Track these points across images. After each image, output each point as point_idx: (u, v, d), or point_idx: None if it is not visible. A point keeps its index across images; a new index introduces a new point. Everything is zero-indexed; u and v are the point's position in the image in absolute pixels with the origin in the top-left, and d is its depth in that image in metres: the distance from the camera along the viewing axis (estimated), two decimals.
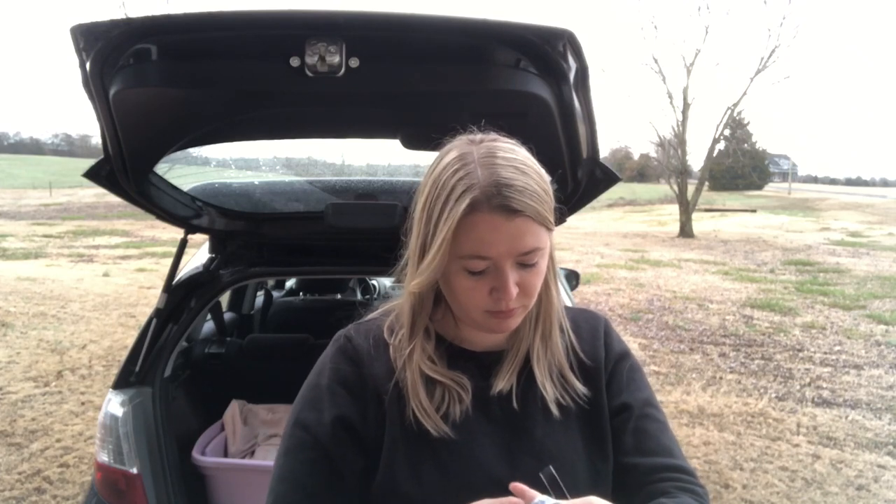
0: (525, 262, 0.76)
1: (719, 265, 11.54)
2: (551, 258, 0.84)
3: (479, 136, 0.80)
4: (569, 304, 1.98)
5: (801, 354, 5.76)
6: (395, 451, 0.81)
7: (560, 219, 0.82)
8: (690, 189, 18.07)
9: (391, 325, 0.89)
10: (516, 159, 0.77)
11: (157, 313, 1.85)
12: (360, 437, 0.82)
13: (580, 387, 0.87)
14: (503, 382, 0.85)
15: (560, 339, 0.89)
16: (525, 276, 0.77)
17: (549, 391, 0.85)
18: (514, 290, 0.76)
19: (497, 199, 0.73)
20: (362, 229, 1.87)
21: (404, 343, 0.85)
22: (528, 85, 1.17)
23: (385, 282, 4.45)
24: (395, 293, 4.47)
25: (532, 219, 0.74)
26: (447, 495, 0.77)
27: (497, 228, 0.73)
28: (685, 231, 17.29)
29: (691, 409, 4.33)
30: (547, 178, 0.80)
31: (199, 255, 2.17)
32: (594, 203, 1.65)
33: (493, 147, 0.78)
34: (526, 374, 0.86)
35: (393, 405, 0.83)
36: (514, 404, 0.84)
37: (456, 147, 0.79)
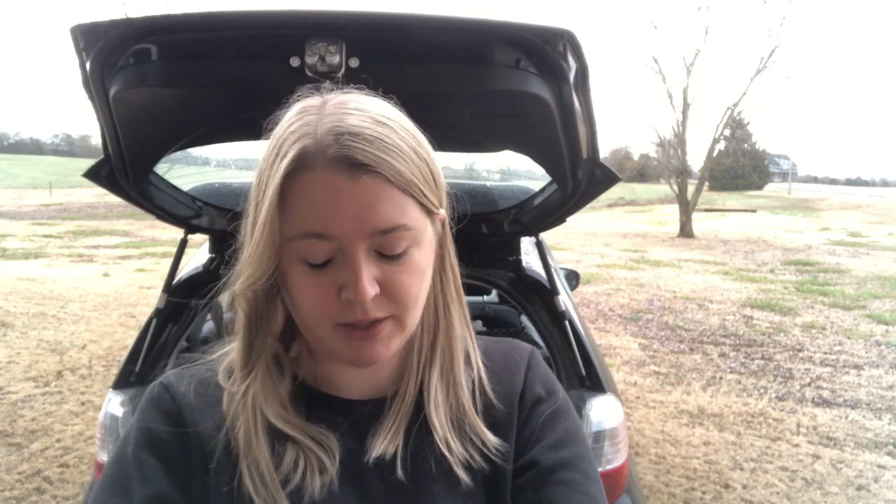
0: (386, 250, 0.54)
1: (719, 265, 11.54)
2: (442, 259, 0.62)
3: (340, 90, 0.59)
4: (569, 304, 1.99)
5: (801, 354, 5.76)
6: None
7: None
8: (690, 189, 18.06)
9: (230, 365, 0.64)
10: (376, 109, 0.55)
11: (157, 313, 1.85)
12: None
13: (492, 438, 0.63)
14: (384, 443, 0.60)
15: (466, 375, 0.65)
16: (389, 272, 0.55)
17: (455, 449, 0.61)
18: (369, 288, 0.53)
19: (333, 150, 0.51)
20: None
21: (238, 380, 0.61)
22: (528, 85, 1.17)
23: None
24: None
25: (389, 180, 0.52)
26: None
27: (335, 191, 0.51)
28: (685, 231, 17.28)
29: (691, 409, 4.33)
30: (427, 145, 0.58)
31: (199, 255, 2.17)
32: (594, 203, 1.65)
33: (347, 97, 0.56)
34: (418, 428, 0.62)
35: (221, 474, 0.59)
36: (400, 474, 0.60)
37: (302, 98, 0.59)
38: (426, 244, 0.57)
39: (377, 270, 0.54)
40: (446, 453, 0.61)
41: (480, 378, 0.67)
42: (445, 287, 0.63)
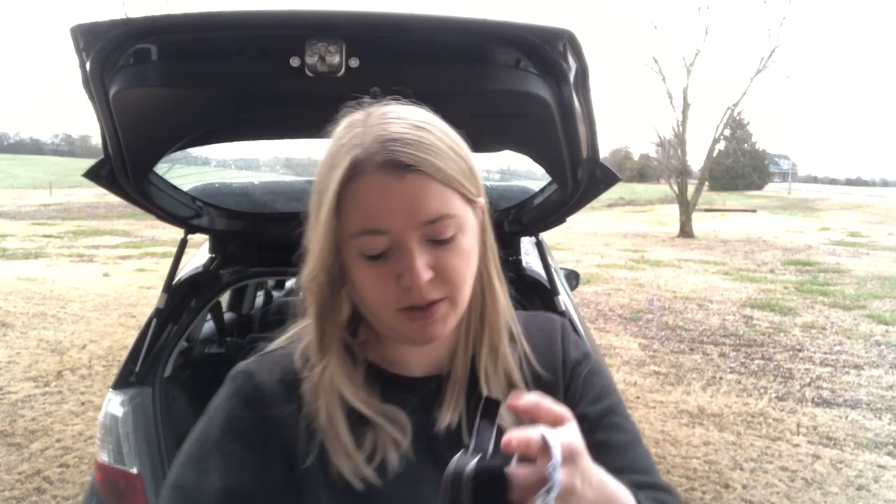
0: (436, 237, 0.61)
1: (719, 265, 11.54)
2: (484, 243, 0.68)
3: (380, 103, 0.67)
4: (569, 304, 1.98)
5: (801, 354, 5.76)
6: None
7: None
8: (690, 189, 18.07)
9: (305, 352, 0.70)
10: (413, 116, 0.63)
11: (157, 313, 1.85)
12: None
13: None
14: (449, 414, 0.68)
15: (511, 350, 0.73)
16: (441, 256, 0.61)
17: (505, 416, 0.65)
18: (424, 273, 0.60)
19: (381, 155, 0.59)
20: None
21: (316, 365, 0.67)
22: (528, 85, 1.17)
23: None
24: None
25: (431, 177, 0.59)
26: None
27: (385, 191, 0.59)
28: (685, 231, 17.29)
29: (691, 409, 4.33)
30: (462, 143, 0.65)
31: (199, 255, 2.17)
32: (594, 203, 1.65)
33: (387, 108, 0.64)
34: (476, 400, 0.67)
35: (314, 465, 0.65)
36: (466, 440, 0.65)
37: (347, 115, 0.67)
38: (470, 230, 0.64)
39: (429, 257, 0.61)
40: (499, 421, 0.65)
41: (524, 351, 0.75)
42: (489, 268, 0.70)
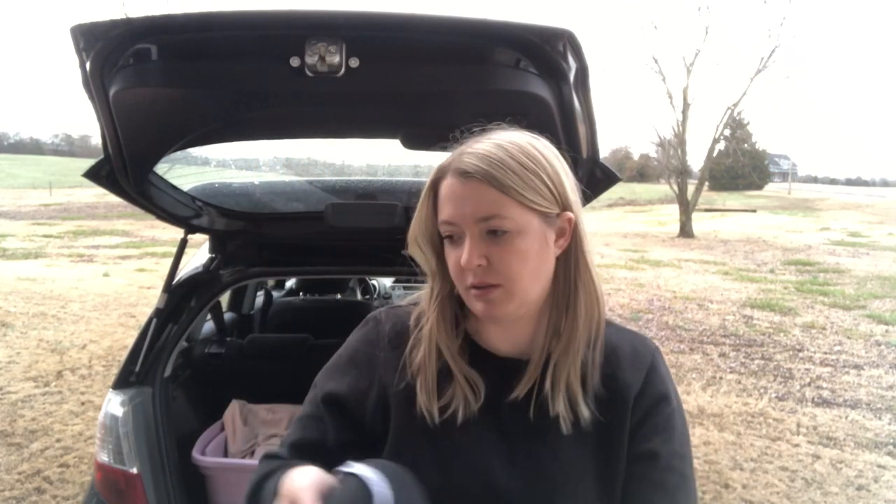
0: (491, 231, 0.75)
1: (719, 265, 11.54)
2: (568, 251, 0.80)
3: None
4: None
5: (801, 354, 5.76)
6: (399, 444, 0.82)
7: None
8: (690, 189, 18.07)
9: (419, 315, 0.88)
10: (504, 137, 0.78)
11: (157, 313, 1.84)
12: (350, 415, 0.84)
13: (586, 412, 0.80)
14: (518, 390, 0.81)
15: (586, 355, 0.82)
16: (494, 250, 0.75)
17: (562, 408, 0.80)
18: (474, 258, 0.75)
19: (456, 163, 0.77)
20: (362, 229, 1.87)
21: (423, 319, 0.85)
22: (528, 85, 1.17)
23: (385, 282, 4.45)
24: (395, 293, 4.47)
25: (488, 183, 0.74)
26: (444, 497, 0.77)
27: (454, 191, 0.76)
28: (685, 231, 17.29)
29: (691, 409, 4.33)
30: (548, 163, 0.78)
31: (199, 255, 2.17)
32: (594, 203, 1.65)
33: (496, 132, 0.80)
34: (542, 386, 0.81)
35: (400, 397, 0.83)
36: (529, 415, 0.81)
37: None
38: (530, 235, 0.76)
39: (485, 248, 0.75)
40: (560, 410, 0.80)
41: (594, 361, 0.83)
42: (574, 275, 0.81)
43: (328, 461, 0.75)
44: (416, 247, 0.84)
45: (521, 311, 0.80)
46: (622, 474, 0.81)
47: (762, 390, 4.78)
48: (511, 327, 0.84)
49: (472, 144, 0.78)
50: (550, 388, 0.80)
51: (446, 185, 0.77)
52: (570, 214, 0.79)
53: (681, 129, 18.46)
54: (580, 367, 0.81)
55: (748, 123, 35.92)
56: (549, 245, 0.78)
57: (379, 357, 0.87)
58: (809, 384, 4.94)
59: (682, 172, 18.42)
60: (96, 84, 1.15)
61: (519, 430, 0.81)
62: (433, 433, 0.81)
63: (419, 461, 0.79)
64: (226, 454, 2.16)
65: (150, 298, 7.42)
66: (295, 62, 1.07)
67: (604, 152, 1.44)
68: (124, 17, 1.08)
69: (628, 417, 0.82)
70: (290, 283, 4.19)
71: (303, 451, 0.82)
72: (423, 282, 0.88)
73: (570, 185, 0.80)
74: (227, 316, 3.03)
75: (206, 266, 1.98)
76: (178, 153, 1.61)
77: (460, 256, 0.76)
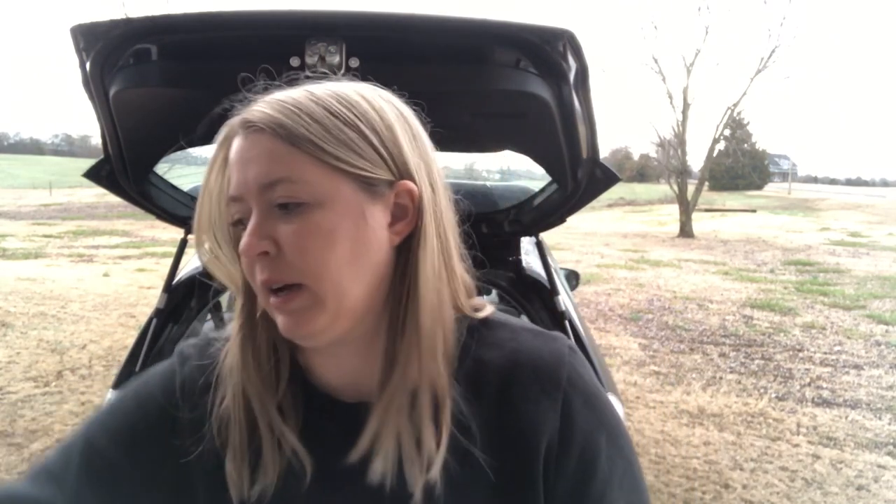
0: (281, 204, 0.52)
1: (719, 265, 11.54)
2: (412, 237, 0.56)
3: None
4: (569, 305, 1.98)
5: (801, 354, 5.76)
6: None
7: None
8: (690, 189, 18.06)
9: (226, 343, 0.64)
10: (320, 85, 0.56)
11: (157, 313, 1.85)
12: (114, 493, 0.60)
13: (449, 472, 0.54)
14: (360, 448, 0.55)
15: (437, 389, 0.55)
16: (284, 229, 0.52)
17: (407, 469, 0.54)
18: (253, 239, 0.51)
19: (241, 116, 0.54)
20: None
21: (227, 355, 0.60)
22: (528, 85, 1.17)
23: None
24: None
25: (276, 135, 0.52)
26: None
27: (237, 153, 0.54)
28: (685, 231, 17.28)
29: (691, 409, 4.33)
30: (379, 116, 0.55)
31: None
32: (594, 203, 1.65)
33: (317, 83, 0.57)
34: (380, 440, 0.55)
35: (207, 469, 0.59)
36: (373, 484, 0.55)
37: None
38: (339, 208, 0.53)
39: (273, 227, 0.52)
40: (405, 473, 0.55)
41: (455, 395, 0.56)
42: (411, 272, 0.55)
43: None
44: (204, 244, 0.60)
45: (346, 327, 0.55)
46: None
47: (762, 390, 4.78)
48: (344, 355, 0.58)
49: (273, 94, 0.56)
50: (380, 444, 0.54)
51: (233, 148, 0.54)
52: (409, 185, 0.55)
53: (681, 129, 18.45)
54: (426, 409, 0.54)
55: (748, 123, 35.96)
56: (376, 227, 0.54)
57: (177, 417, 0.60)
58: (809, 384, 4.94)
59: (682, 172, 18.41)
60: (96, 84, 1.15)
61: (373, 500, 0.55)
62: None
63: None
64: None
65: (150, 298, 7.42)
66: (295, 62, 1.07)
67: (604, 152, 1.44)
68: (124, 17, 1.08)
69: (538, 471, 0.56)
70: None
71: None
72: None
73: (413, 149, 0.57)
74: (227, 316, 3.03)
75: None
76: (178, 153, 1.61)
77: None
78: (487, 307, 0.63)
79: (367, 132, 0.54)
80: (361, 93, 0.56)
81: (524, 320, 0.69)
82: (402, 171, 0.55)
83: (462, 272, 0.60)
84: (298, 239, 0.52)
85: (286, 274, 0.52)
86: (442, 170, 0.60)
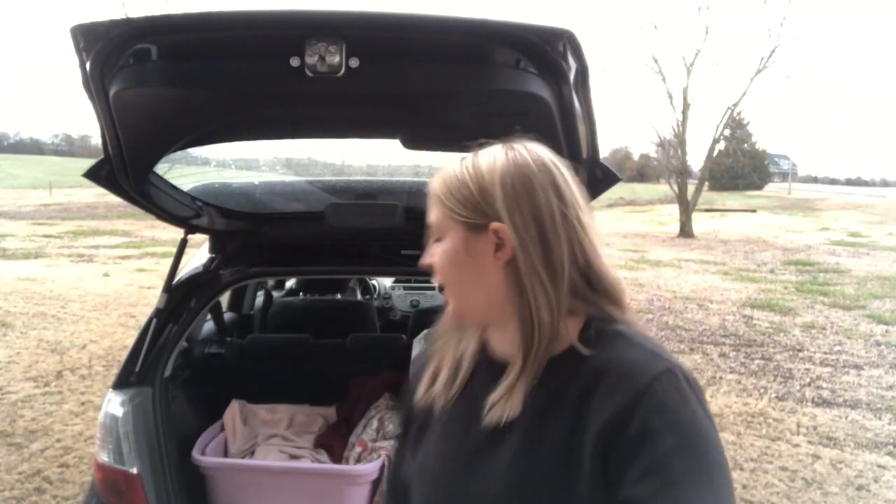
0: (435, 238, 0.82)
1: (719, 265, 11.54)
2: (509, 262, 0.76)
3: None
4: None
5: (801, 354, 5.76)
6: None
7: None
8: (690, 189, 18.07)
9: None
10: (475, 155, 0.81)
11: (157, 313, 1.84)
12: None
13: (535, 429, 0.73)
14: (497, 392, 0.77)
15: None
16: (433, 252, 0.81)
17: (513, 416, 0.74)
18: (424, 256, 0.82)
19: None
20: (362, 229, 1.87)
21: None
22: (528, 85, 1.17)
23: (385, 282, 4.45)
24: (395, 293, 4.47)
25: (436, 197, 0.80)
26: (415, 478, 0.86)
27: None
28: (685, 231, 17.28)
29: None
30: (483, 176, 0.77)
31: (199, 255, 2.17)
32: (594, 203, 1.64)
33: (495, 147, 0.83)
34: (511, 391, 0.76)
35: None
36: (484, 419, 0.76)
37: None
38: (456, 242, 0.79)
39: (431, 250, 0.82)
40: (513, 418, 0.75)
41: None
42: (517, 285, 0.76)
43: None
44: None
45: (476, 318, 0.83)
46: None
47: (762, 390, 4.78)
48: (493, 332, 0.84)
49: None
50: (505, 394, 0.76)
51: None
52: (498, 226, 0.75)
53: (681, 129, 18.45)
54: (531, 377, 0.75)
55: (748, 123, 35.96)
56: (483, 255, 0.77)
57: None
58: (809, 384, 4.94)
59: (682, 172, 18.41)
60: (96, 84, 1.15)
61: (477, 429, 0.77)
62: (427, 420, 0.88)
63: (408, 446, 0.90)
64: (226, 454, 2.16)
65: (150, 298, 7.42)
66: (295, 62, 1.07)
67: (604, 152, 1.44)
68: (124, 17, 1.08)
69: (586, 445, 0.68)
70: (290, 283, 4.18)
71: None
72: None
73: (511, 197, 0.76)
74: (227, 316, 3.03)
75: (206, 266, 1.98)
76: (178, 153, 1.61)
77: None
78: (624, 322, 0.79)
79: (472, 189, 0.78)
80: (482, 159, 0.79)
81: (654, 340, 0.78)
82: (492, 216, 0.76)
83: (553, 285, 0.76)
84: (437, 259, 0.81)
85: (437, 279, 0.82)
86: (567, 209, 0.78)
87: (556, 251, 0.76)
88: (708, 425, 0.66)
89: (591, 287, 0.80)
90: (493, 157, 0.78)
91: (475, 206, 0.77)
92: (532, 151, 0.79)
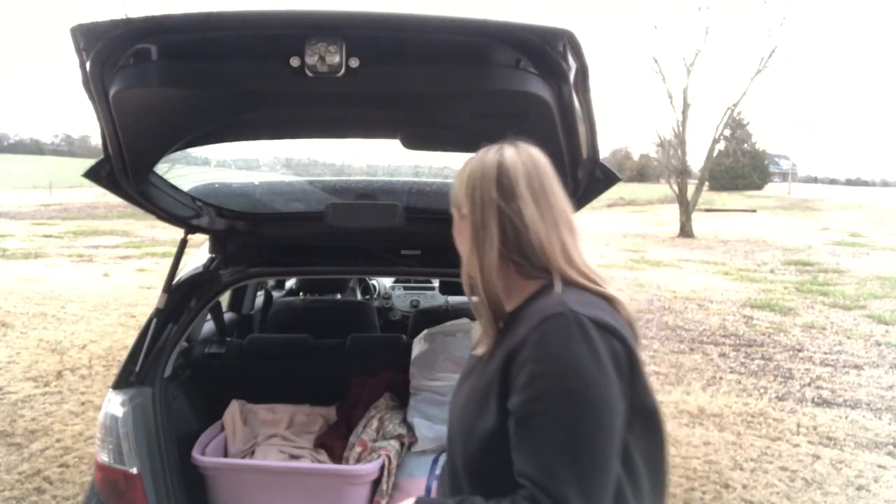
0: None
1: (719, 265, 11.54)
2: (476, 235, 0.97)
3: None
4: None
5: (801, 354, 5.76)
6: None
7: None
8: (690, 189, 18.06)
9: None
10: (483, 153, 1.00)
11: (157, 313, 1.84)
12: None
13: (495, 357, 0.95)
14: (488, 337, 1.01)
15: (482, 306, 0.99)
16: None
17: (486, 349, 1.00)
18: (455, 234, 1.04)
19: None
20: (362, 229, 1.87)
21: None
22: (528, 85, 1.17)
23: (385, 282, 4.45)
24: (395, 293, 4.46)
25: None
26: None
27: None
28: (685, 231, 17.28)
29: (691, 409, 4.33)
30: (464, 171, 1.00)
31: (199, 255, 2.17)
32: (594, 203, 1.64)
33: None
34: (485, 334, 1.01)
35: None
36: (491, 354, 0.98)
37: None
38: (465, 218, 0.99)
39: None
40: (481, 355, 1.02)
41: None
42: (477, 255, 0.97)
43: None
44: None
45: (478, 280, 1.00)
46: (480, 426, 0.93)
47: (762, 390, 4.78)
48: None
49: None
50: (483, 335, 1.02)
51: None
52: (463, 210, 1.00)
53: (681, 129, 18.45)
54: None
55: (748, 123, 35.92)
56: (462, 230, 1.01)
57: None
58: (809, 384, 4.94)
59: (682, 172, 18.41)
60: (96, 84, 1.15)
61: (473, 369, 1.04)
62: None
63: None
64: (226, 454, 2.16)
65: (150, 298, 7.41)
66: (295, 62, 1.07)
67: (604, 152, 1.44)
68: (124, 17, 1.08)
69: (498, 364, 0.92)
70: (290, 283, 4.18)
71: None
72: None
73: (473, 188, 0.98)
74: (227, 316, 3.03)
75: (206, 266, 1.98)
76: (178, 153, 1.61)
77: None
78: (576, 286, 0.94)
79: (457, 183, 1.01)
80: (493, 158, 0.98)
81: (582, 296, 0.92)
82: (459, 203, 1.00)
83: (528, 257, 0.96)
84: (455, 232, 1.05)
85: None
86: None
87: (489, 231, 0.96)
88: (583, 361, 0.84)
89: (529, 260, 0.95)
90: (493, 154, 0.98)
91: (457, 195, 1.02)
92: (502, 153, 0.97)
